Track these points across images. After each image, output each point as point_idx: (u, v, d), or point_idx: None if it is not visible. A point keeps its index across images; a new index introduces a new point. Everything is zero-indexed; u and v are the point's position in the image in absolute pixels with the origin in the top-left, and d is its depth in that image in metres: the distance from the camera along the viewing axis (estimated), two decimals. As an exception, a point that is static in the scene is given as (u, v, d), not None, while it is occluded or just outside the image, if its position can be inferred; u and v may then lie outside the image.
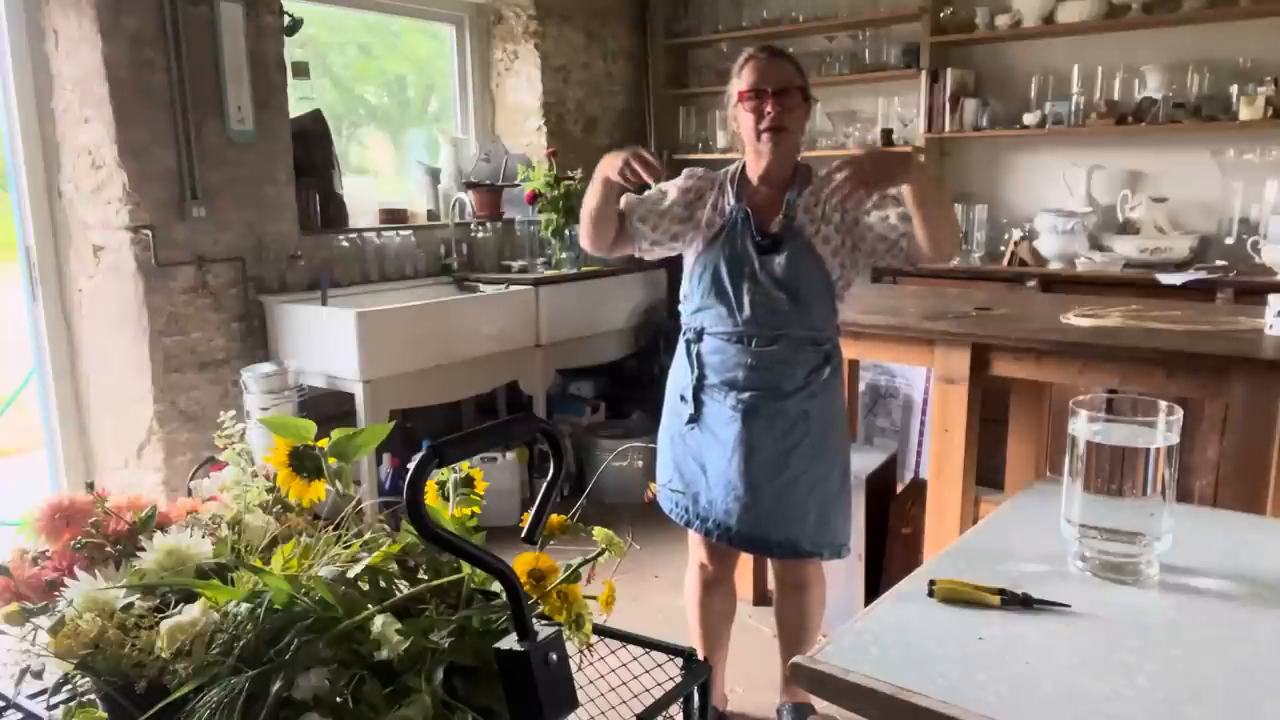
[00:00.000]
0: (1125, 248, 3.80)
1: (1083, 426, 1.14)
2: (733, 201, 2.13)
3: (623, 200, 2.19)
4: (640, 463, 3.88)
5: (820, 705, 2.33)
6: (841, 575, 2.78)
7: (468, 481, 1.08)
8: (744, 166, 2.17)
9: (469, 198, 4.26)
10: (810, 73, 4.52)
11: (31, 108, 3.22)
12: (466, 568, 0.96)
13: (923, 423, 3.67)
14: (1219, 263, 3.65)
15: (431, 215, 4.38)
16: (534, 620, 0.83)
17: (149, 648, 0.87)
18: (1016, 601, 1.08)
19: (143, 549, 0.97)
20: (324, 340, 3.36)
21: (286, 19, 3.60)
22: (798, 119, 2.08)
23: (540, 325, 3.89)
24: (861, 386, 3.64)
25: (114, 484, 2.77)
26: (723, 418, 2.12)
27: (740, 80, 2.07)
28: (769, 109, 2.03)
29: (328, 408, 3.43)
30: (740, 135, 2.13)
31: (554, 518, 1.01)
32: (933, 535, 2.61)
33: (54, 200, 3.31)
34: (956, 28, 4.22)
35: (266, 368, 3.29)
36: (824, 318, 2.11)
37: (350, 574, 0.93)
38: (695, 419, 2.16)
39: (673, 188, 2.21)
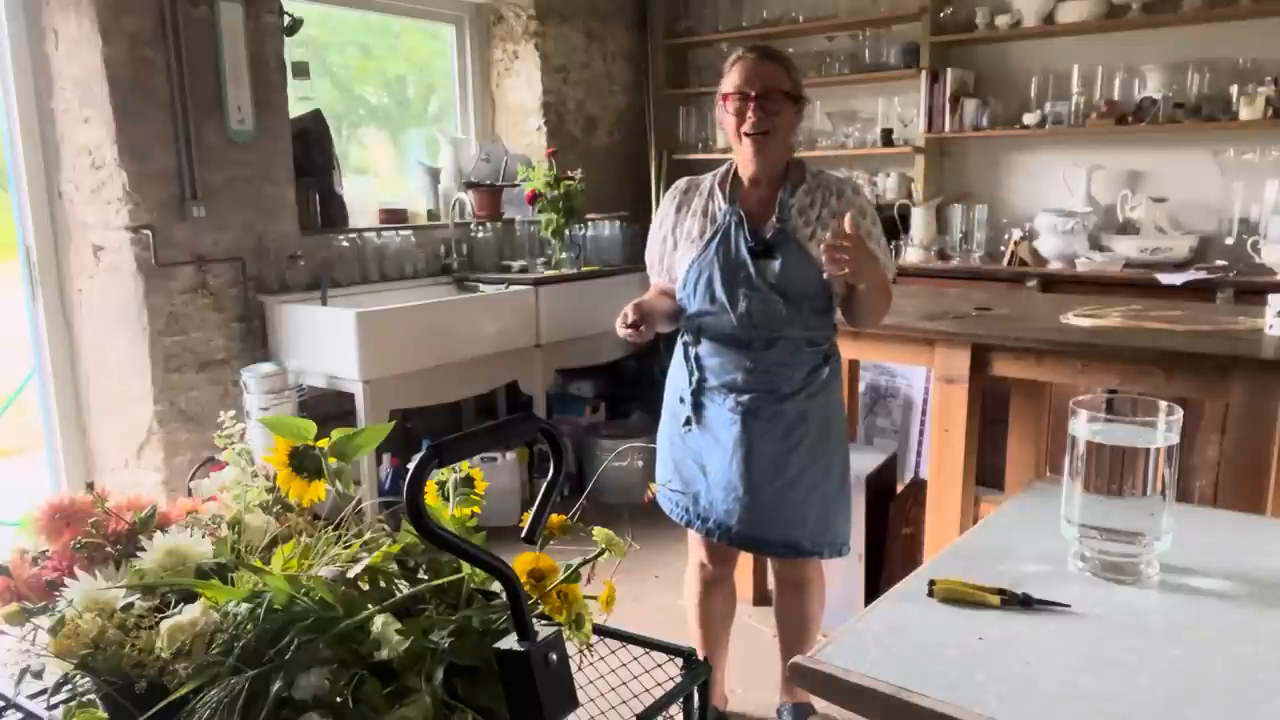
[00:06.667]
0: (1125, 248, 3.80)
1: (1083, 426, 1.15)
2: (724, 205, 2.11)
3: (654, 281, 2.27)
4: (640, 463, 3.88)
5: (820, 705, 2.33)
6: (841, 575, 2.78)
7: (468, 481, 1.08)
8: (734, 167, 2.15)
9: (469, 198, 4.26)
10: (810, 73, 4.58)
11: (31, 108, 3.22)
12: (466, 568, 0.96)
13: (923, 423, 3.67)
14: (1219, 263, 3.65)
15: (431, 215, 4.38)
16: (534, 620, 0.83)
17: (149, 648, 0.87)
18: (1016, 601, 1.08)
19: (143, 549, 0.97)
20: (324, 340, 3.36)
21: (286, 19, 3.60)
22: (784, 122, 2.04)
23: (540, 325, 3.89)
24: (861, 386, 3.64)
25: (114, 484, 2.76)
26: (723, 420, 2.11)
27: (727, 80, 2.05)
28: (752, 113, 2.00)
29: (328, 408, 3.43)
30: (726, 134, 2.13)
31: (554, 518, 1.01)
32: (933, 535, 2.61)
33: (54, 200, 3.31)
34: (956, 28, 4.22)
35: (266, 368, 3.29)
36: (821, 319, 2.11)
37: (350, 574, 0.93)
38: (693, 422, 2.16)
39: (662, 227, 2.21)
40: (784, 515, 2.10)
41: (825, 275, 1.97)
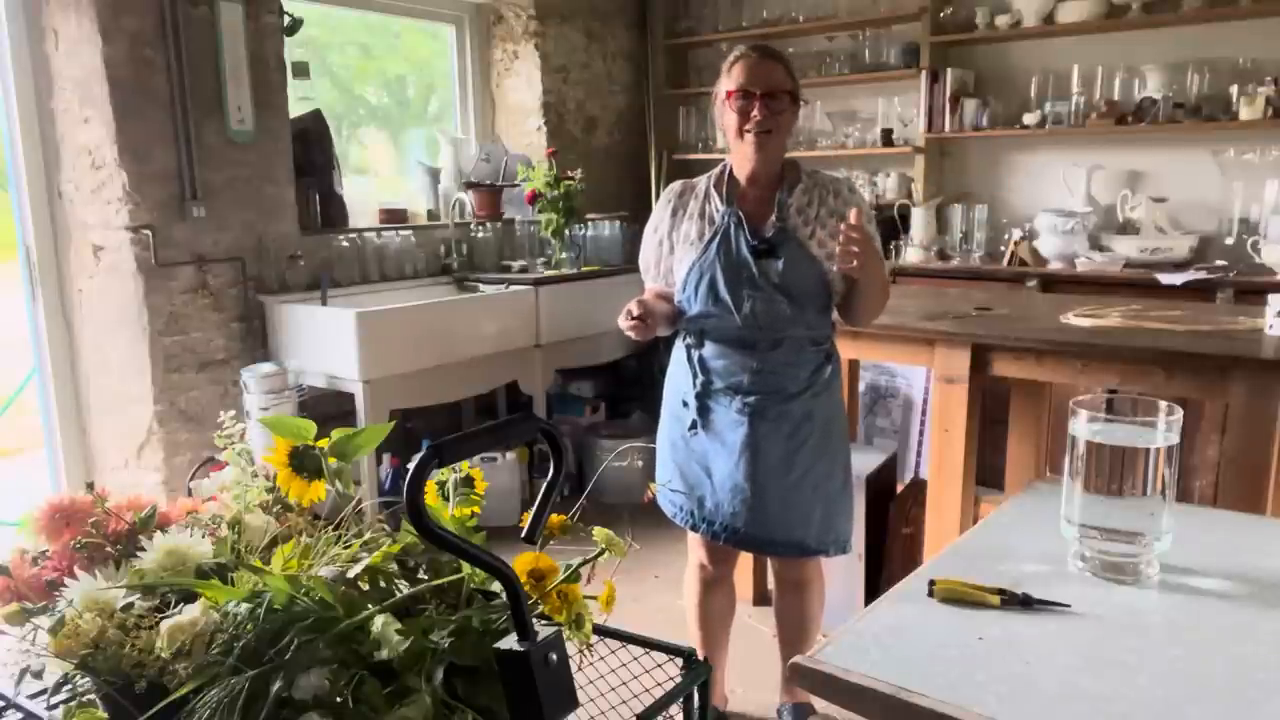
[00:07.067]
0: (1125, 248, 3.80)
1: (1083, 426, 1.14)
2: (721, 206, 2.10)
3: (648, 285, 2.24)
4: (640, 463, 3.88)
5: (820, 705, 2.33)
6: (841, 575, 2.78)
7: (468, 481, 1.08)
8: (730, 168, 2.15)
9: (469, 198, 4.26)
10: (810, 73, 4.58)
11: (31, 108, 3.22)
12: (466, 568, 0.96)
13: (923, 423, 3.67)
14: (1219, 263, 3.65)
15: (431, 215, 4.38)
16: (534, 620, 0.83)
17: (149, 648, 0.87)
18: (1016, 601, 1.08)
19: (143, 549, 0.97)
20: (324, 340, 3.36)
21: (286, 19, 3.60)
22: (785, 122, 2.05)
23: (540, 325, 3.89)
24: (861, 386, 3.64)
25: (114, 484, 2.76)
26: (729, 421, 2.11)
27: (729, 78, 2.05)
28: (755, 112, 2.00)
29: (328, 408, 3.43)
30: (725, 133, 2.12)
31: (554, 518, 1.01)
32: (933, 535, 2.61)
33: (54, 200, 3.31)
34: (956, 28, 4.22)
35: (266, 368, 3.29)
36: (821, 317, 2.11)
37: (350, 574, 0.93)
38: (698, 425, 2.14)
39: (658, 233, 2.20)
40: (789, 515, 2.10)
41: (835, 268, 1.98)
